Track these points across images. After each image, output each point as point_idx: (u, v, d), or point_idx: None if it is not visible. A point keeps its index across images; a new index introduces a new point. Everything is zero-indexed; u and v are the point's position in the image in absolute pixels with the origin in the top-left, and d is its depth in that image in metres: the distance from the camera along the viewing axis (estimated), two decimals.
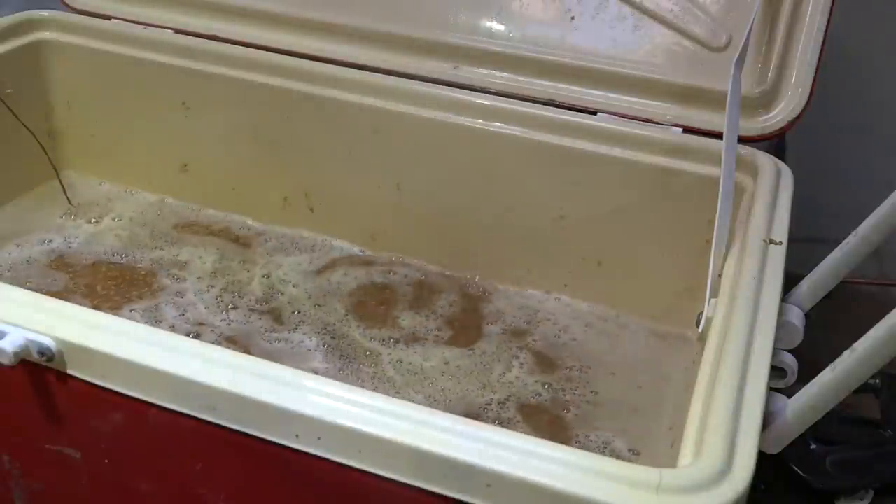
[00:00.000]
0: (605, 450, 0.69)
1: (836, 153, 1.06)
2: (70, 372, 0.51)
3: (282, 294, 0.83)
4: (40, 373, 0.52)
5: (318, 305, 0.82)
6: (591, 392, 0.75)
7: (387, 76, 0.85)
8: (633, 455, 0.68)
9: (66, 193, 0.96)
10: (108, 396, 0.51)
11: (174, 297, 0.82)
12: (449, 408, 0.72)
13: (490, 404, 0.73)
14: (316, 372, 0.74)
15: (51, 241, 0.89)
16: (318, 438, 0.46)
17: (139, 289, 0.83)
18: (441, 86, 0.84)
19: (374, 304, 0.83)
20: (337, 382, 0.47)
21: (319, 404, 0.46)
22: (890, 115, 1.03)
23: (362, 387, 0.50)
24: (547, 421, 0.71)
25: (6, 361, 0.50)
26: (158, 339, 0.50)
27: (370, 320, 0.81)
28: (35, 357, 0.51)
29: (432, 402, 0.72)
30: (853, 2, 0.91)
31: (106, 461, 0.55)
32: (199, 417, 0.49)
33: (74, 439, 0.55)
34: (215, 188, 0.95)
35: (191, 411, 0.49)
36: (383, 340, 0.78)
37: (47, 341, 0.50)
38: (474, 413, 0.72)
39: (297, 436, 0.46)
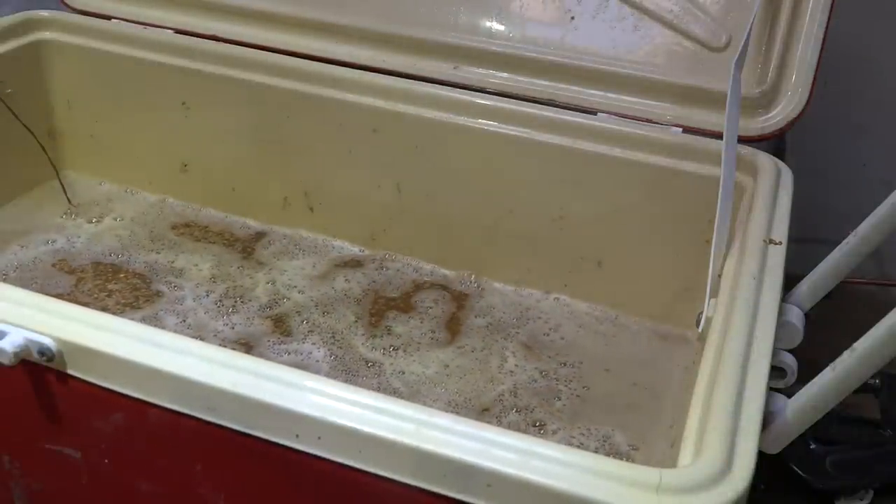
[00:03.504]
0: (605, 443, 0.69)
1: (836, 153, 1.06)
2: (70, 372, 0.51)
3: (287, 300, 0.83)
4: (40, 373, 0.52)
5: (326, 313, 0.82)
6: (583, 387, 0.75)
7: (387, 76, 0.85)
8: (632, 450, 0.68)
9: (66, 193, 0.96)
10: (108, 396, 0.51)
11: (174, 305, 0.82)
12: (469, 406, 0.72)
13: (503, 395, 0.73)
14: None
15: (54, 241, 0.89)
16: (318, 438, 0.46)
17: (141, 292, 0.84)
18: (441, 86, 0.84)
19: (375, 308, 0.83)
20: (337, 382, 0.47)
21: (319, 404, 0.46)
22: (889, 115, 1.03)
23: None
24: (560, 405, 0.72)
25: (6, 361, 0.50)
26: (159, 339, 0.50)
27: (374, 326, 0.81)
28: (35, 357, 0.51)
29: (452, 406, 0.72)
30: (853, 2, 0.91)
31: (106, 461, 0.55)
32: (199, 417, 0.49)
33: (74, 439, 0.55)
34: (215, 188, 0.95)
35: (191, 411, 0.49)
36: (384, 350, 0.78)
37: (47, 341, 0.50)
38: (489, 407, 0.72)
39: (297, 436, 0.46)
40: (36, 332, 0.51)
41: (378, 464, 0.45)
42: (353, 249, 0.91)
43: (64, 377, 0.52)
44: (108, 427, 0.53)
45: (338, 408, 0.46)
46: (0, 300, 0.53)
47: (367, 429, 0.45)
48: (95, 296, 0.82)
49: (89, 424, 0.54)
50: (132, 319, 0.77)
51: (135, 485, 0.55)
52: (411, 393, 0.73)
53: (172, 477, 0.54)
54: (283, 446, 0.47)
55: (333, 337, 0.79)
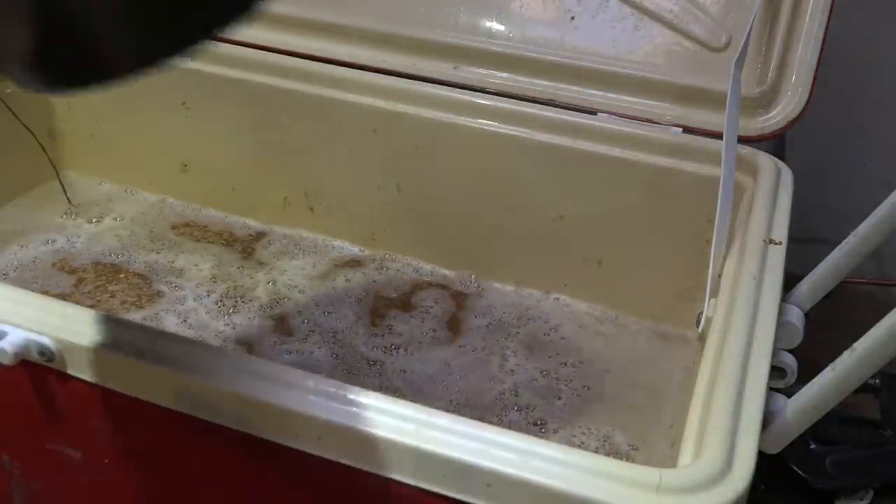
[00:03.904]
0: (606, 443, 0.69)
1: (836, 153, 1.06)
2: (70, 372, 0.51)
3: (288, 300, 0.83)
4: (40, 373, 0.52)
5: (327, 313, 0.82)
6: (584, 386, 0.75)
7: (387, 76, 0.85)
8: (632, 450, 0.68)
9: (66, 193, 0.96)
10: (108, 396, 0.51)
11: (174, 305, 0.82)
12: (470, 404, 0.72)
13: (504, 394, 0.73)
14: None
15: (54, 241, 0.89)
16: (318, 438, 0.46)
17: (142, 291, 0.84)
18: (441, 86, 0.84)
19: (376, 308, 0.83)
20: (337, 382, 0.47)
21: (319, 404, 0.46)
22: (890, 115, 1.03)
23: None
24: (561, 405, 0.72)
25: (6, 361, 0.50)
26: (158, 339, 0.50)
27: (375, 326, 0.81)
28: (35, 357, 0.51)
29: (454, 405, 0.72)
30: (853, 2, 0.91)
31: (106, 461, 0.55)
32: (199, 417, 0.49)
33: (74, 439, 0.55)
34: (215, 188, 0.95)
35: (191, 411, 0.49)
36: (386, 349, 0.78)
37: (47, 341, 0.50)
38: (490, 405, 0.72)
39: (297, 436, 0.46)
40: (36, 332, 0.51)
41: (378, 464, 0.45)
42: (353, 249, 0.91)
43: (64, 377, 0.52)
44: (108, 427, 0.53)
45: (338, 408, 0.46)
46: (0, 300, 0.53)
47: (367, 429, 0.45)
48: (98, 298, 0.82)
49: (89, 424, 0.54)
50: (133, 320, 0.78)
51: (135, 485, 0.55)
52: (413, 391, 0.73)
53: (172, 477, 0.54)
54: (283, 446, 0.47)
55: (335, 336, 0.79)
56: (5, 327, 0.51)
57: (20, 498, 0.60)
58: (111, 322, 0.52)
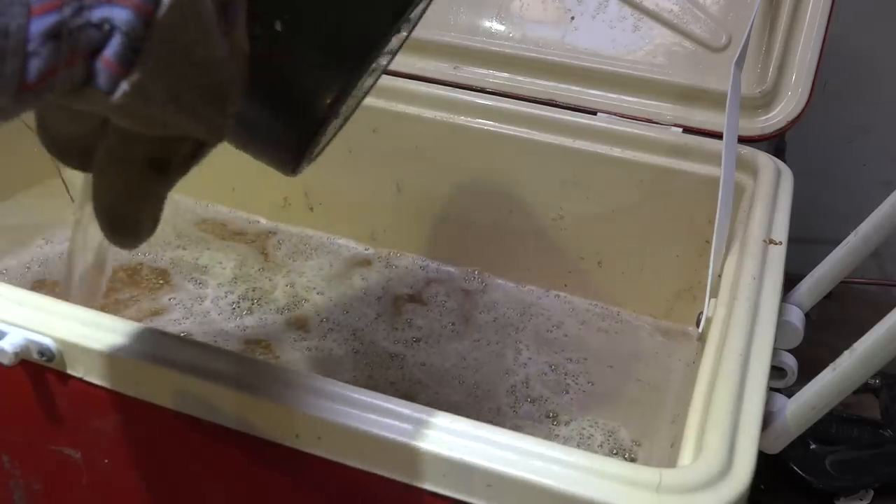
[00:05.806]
0: (610, 438, 0.69)
1: (836, 153, 1.06)
2: (70, 372, 0.51)
3: (306, 301, 0.83)
4: (40, 373, 0.52)
5: (346, 311, 0.82)
6: (589, 382, 0.75)
7: (387, 76, 0.85)
8: (635, 445, 0.68)
9: (68, 191, 0.96)
10: (108, 396, 0.51)
11: (195, 304, 0.82)
12: (487, 397, 0.73)
13: (516, 387, 0.74)
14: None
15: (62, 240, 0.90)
16: (318, 438, 0.46)
17: (163, 290, 0.84)
18: (441, 86, 0.84)
19: (395, 304, 0.83)
20: (337, 382, 0.47)
21: (319, 404, 0.46)
22: (890, 115, 1.03)
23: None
24: (568, 399, 0.73)
25: (6, 361, 0.50)
26: (158, 338, 0.50)
27: (395, 320, 0.81)
28: (35, 357, 0.51)
29: (473, 397, 0.73)
30: (853, 2, 0.91)
31: (106, 461, 0.55)
32: (199, 417, 0.49)
33: (74, 439, 0.55)
34: (216, 188, 0.95)
35: (191, 411, 0.49)
36: (406, 342, 0.78)
37: (47, 341, 0.50)
38: (503, 396, 0.73)
39: (297, 436, 0.46)
40: (36, 332, 0.51)
41: (378, 464, 0.45)
42: (359, 248, 0.91)
43: (64, 377, 0.52)
44: (108, 427, 0.53)
45: (338, 408, 0.46)
46: (0, 300, 0.53)
47: (367, 429, 0.45)
48: (117, 294, 0.82)
49: (89, 424, 0.54)
50: (152, 317, 0.78)
51: (135, 485, 0.55)
52: (434, 383, 0.74)
53: (172, 477, 0.54)
54: (283, 446, 0.47)
55: (354, 334, 0.79)
56: (5, 327, 0.51)
57: (20, 498, 0.60)
58: (111, 322, 0.52)
